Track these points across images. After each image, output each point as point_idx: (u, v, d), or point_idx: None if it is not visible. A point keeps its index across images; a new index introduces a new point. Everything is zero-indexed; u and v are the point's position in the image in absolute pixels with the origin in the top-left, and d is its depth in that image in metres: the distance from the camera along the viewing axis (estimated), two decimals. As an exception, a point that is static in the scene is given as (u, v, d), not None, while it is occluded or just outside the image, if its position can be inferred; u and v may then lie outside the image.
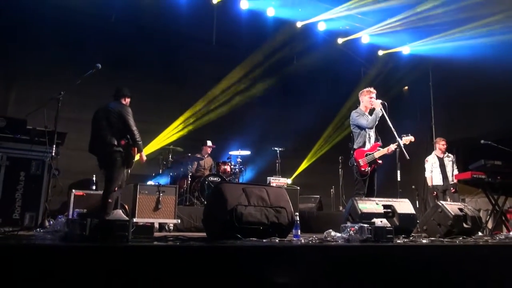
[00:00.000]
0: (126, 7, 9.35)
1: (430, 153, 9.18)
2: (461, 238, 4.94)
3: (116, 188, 5.90)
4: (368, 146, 6.36)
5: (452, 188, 8.59)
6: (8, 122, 5.75)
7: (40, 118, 5.63)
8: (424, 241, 4.52)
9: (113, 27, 9.23)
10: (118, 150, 5.85)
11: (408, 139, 6.19)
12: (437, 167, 8.80)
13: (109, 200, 5.82)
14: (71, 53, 8.63)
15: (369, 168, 6.22)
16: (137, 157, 6.15)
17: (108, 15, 9.25)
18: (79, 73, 5.91)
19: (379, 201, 5.23)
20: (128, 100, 6.32)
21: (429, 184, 8.90)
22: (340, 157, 10.06)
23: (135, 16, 9.51)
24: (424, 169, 9.03)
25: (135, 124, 6.01)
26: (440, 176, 8.72)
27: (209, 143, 9.82)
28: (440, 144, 8.98)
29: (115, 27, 9.25)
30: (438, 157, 8.90)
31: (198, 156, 9.58)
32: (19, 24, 8.37)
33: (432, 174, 8.85)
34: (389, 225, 4.20)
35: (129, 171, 6.21)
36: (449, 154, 8.96)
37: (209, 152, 9.88)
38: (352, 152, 6.43)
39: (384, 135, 6.57)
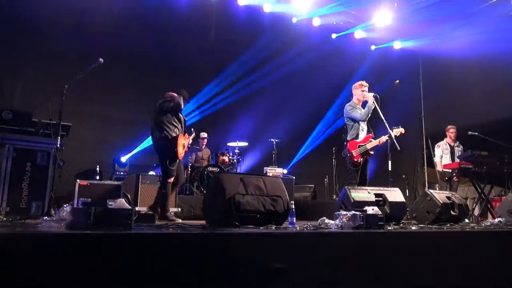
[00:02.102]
0: (128, 2, 9.40)
1: (420, 144, 9.28)
2: (448, 225, 5.01)
3: (170, 180, 6.17)
4: (361, 137, 6.45)
5: (455, 177, 8.57)
6: (14, 115, 5.81)
7: (45, 110, 5.71)
8: (413, 227, 4.61)
9: (115, 22, 9.22)
10: (159, 145, 6.15)
11: (398, 130, 6.30)
12: (448, 154, 8.83)
13: (163, 191, 6.18)
14: (75, 47, 8.61)
15: (361, 159, 6.32)
16: (181, 147, 6.27)
17: (111, 10, 9.24)
18: (82, 67, 5.99)
19: (371, 190, 5.26)
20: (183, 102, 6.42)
21: (440, 169, 8.81)
22: (333, 148, 10.21)
23: (136, 12, 9.51)
24: (415, 159, 9.09)
25: (171, 118, 6.18)
26: (450, 163, 8.72)
27: (201, 134, 10.00)
28: (450, 132, 9.01)
29: (118, 22, 9.25)
30: (450, 145, 8.94)
31: (197, 147, 9.78)
32: (24, 18, 8.35)
33: (442, 160, 8.85)
34: (380, 212, 4.19)
35: (177, 162, 6.31)
36: (459, 144, 8.97)
37: (205, 143, 10.05)
38: (345, 143, 6.52)
39: (376, 126, 6.68)
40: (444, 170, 8.76)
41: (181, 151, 6.25)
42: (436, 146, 9.09)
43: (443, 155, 8.92)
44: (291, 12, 11.48)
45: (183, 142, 6.33)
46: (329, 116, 12.05)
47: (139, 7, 9.55)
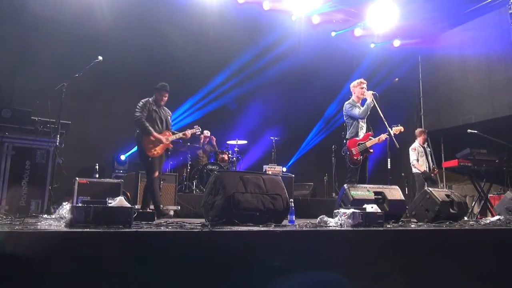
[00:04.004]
0: (128, 1, 9.41)
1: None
2: (447, 222, 5.00)
3: (154, 175, 6.31)
4: (360, 135, 6.47)
5: (435, 170, 8.79)
6: (14, 113, 5.81)
7: (45, 109, 5.73)
8: (412, 225, 4.62)
9: (114, 20, 9.19)
10: (136, 142, 6.43)
11: (398, 129, 6.36)
12: (424, 156, 8.95)
13: (149, 187, 6.32)
14: (74, 45, 8.60)
15: (361, 157, 6.34)
16: (151, 144, 6.38)
17: (110, 8, 9.22)
18: (81, 65, 6.00)
19: (370, 188, 5.29)
20: (158, 94, 6.56)
21: (421, 170, 8.90)
22: (333, 146, 10.23)
23: (136, 10, 9.49)
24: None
25: (142, 115, 6.32)
26: (426, 164, 8.88)
27: (205, 132, 10.02)
28: (425, 134, 9.20)
29: (117, 20, 9.22)
30: (423, 147, 9.06)
31: (197, 145, 9.78)
32: (24, 16, 8.35)
33: (420, 162, 8.95)
34: (379, 210, 4.20)
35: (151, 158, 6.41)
36: (428, 145, 9.13)
37: (207, 141, 10.07)
38: (345, 141, 6.55)
39: (375, 124, 6.73)
40: (427, 170, 8.87)
41: (156, 149, 6.39)
42: (411, 149, 9.14)
43: (419, 157, 9.01)
44: (290, 9, 11.48)
45: (162, 138, 6.44)
46: (328, 114, 12.05)
47: (138, 5, 9.53)
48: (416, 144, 9.14)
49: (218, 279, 2.75)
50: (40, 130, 5.84)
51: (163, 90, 6.57)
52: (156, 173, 6.43)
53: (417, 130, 9.33)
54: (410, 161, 9.06)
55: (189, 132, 6.95)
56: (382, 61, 12.43)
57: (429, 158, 8.96)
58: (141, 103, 6.41)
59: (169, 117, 6.79)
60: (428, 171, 8.83)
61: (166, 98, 6.64)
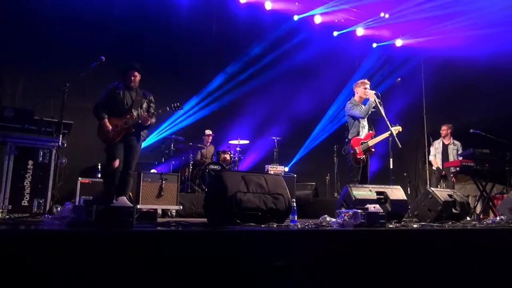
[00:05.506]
0: (128, 0, 9.40)
1: (422, 142, 9.34)
2: (450, 222, 5.01)
3: (113, 165, 5.71)
4: (362, 135, 6.50)
5: (452, 176, 8.56)
6: (16, 113, 5.82)
7: (47, 109, 5.73)
8: (415, 225, 4.60)
9: (116, 19, 9.18)
10: None
11: (396, 128, 6.40)
12: (440, 153, 8.95)
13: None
14: (76, 45, 8.55)
15: (364, 156, 6.35)
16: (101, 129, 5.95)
17: (111, 8, 9.23)
18: (84, 64, 5.99)
19: (372, 188, 5.28)
20: (125, 75, 6.07)
21: (434, 166, 8.95)
22: (335, 146, 10.23)
23: (137, 9, 9.47)
24: (416, 157, 9.14)
25: (101, 100, 6.02)
26: (441, 162, 8.86)
27: (207, 131, 10.02)
28: (440, 130, 9.16)
29: (119, 19, 9.20)
30: (443, 143, 9.02)
31: (200, 145, 9.78)
32: (26, 17, 8.34)
33: (436, 159, 8.99)
34: (381, 210, 4.22)
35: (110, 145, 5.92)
36: (455, 142, 9.02)
37: (209, 140, 10.06)
38: (347, 140, 6.58)
39: (376, 124, 6.76)
40: (440, 168, 8.87)
41: (109, 135, 5.84)
42: (431, 145, 9.19)
43: (436, 154, 9.04)
44: (292, 9, 11.49)
45: (116, 123, 5.90)
46: (330, 114, 12.04)
47: (140, 4, 9.53)
48: (438, 140, 9.19)
49: (220, 279, 2.74)
50: (42, 130, 5.86)
51: (129, 69, 6.00)
52: (116, 162, 5.73)
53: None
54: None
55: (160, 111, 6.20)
56: (384, 61, 12.41)
57: (450, 156, 8.87)
58: (107, 87, 5.98)
59: (144, 99, 6.11)
60: (442, 169, 8.81)
61: (137, 77, 6.07)
